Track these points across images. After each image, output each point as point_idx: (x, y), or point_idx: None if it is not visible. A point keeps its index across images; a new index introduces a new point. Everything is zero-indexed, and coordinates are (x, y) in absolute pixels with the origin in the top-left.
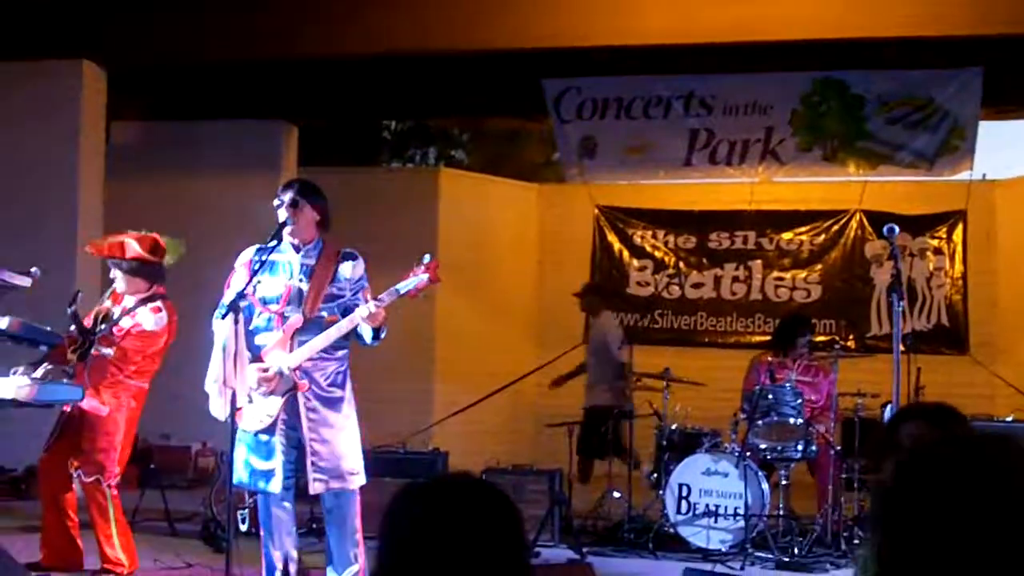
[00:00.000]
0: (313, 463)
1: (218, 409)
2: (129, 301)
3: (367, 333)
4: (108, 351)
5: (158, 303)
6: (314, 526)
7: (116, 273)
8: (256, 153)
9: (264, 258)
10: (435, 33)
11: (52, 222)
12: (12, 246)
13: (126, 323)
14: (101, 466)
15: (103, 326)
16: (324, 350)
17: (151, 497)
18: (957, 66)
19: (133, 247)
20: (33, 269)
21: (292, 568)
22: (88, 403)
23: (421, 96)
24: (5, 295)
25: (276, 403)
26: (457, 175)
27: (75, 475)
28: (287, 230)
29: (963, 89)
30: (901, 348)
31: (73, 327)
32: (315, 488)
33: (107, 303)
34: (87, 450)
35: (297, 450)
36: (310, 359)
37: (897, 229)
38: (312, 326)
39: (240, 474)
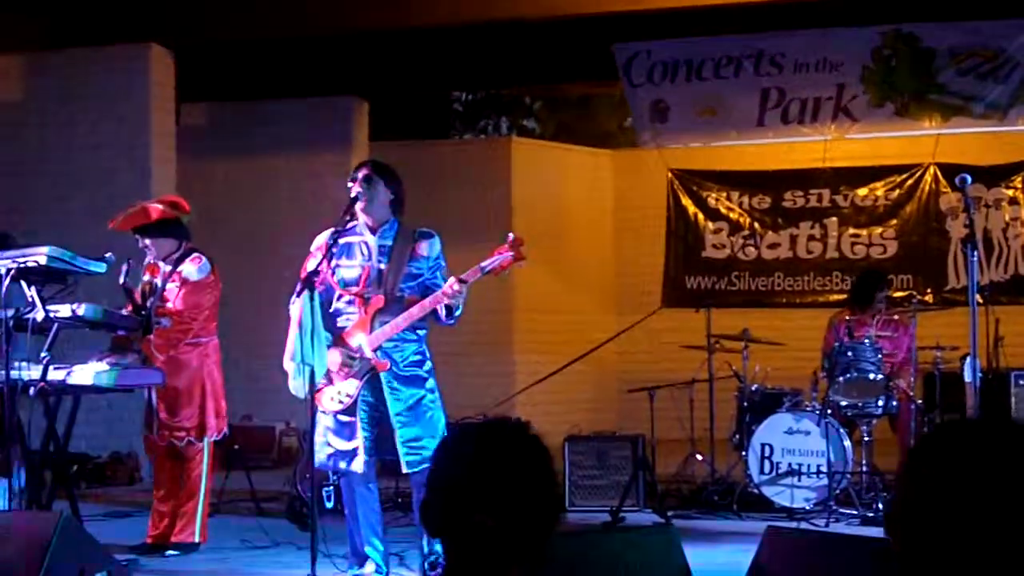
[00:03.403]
0: (403, 442)
1: (297, 387)
2: (166, 267)
3: (444, 311)
4: (166, 321)
5: (195, 254)
6: (399, 500)
7: (145, 242)
8: (327, 130)
9: (340, 240)
10: (502, 1)
11: (125, 207)
12: (87, 232)
13: (173, 286)
14: (199, 427)
15: (152, 299)
16: (404, 330)
17: (236, 478)
18: None
19: (156, 207)
20: (108, 255)
21: (380, 549)
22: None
23: (490, 66)
24: (81, 281)
25: (353, 385)
26: (529, 144)
27: (177, 445)
28: (359, 205)
29: None
30: (979, 300)
31: (128, 304)
32: (407, 467)
33: (146, 277)
34: (180, 419)
35: (378, 428)
36: (391, 339)
37: (969, 179)
38: (393, 306)
39: (320, 455)
